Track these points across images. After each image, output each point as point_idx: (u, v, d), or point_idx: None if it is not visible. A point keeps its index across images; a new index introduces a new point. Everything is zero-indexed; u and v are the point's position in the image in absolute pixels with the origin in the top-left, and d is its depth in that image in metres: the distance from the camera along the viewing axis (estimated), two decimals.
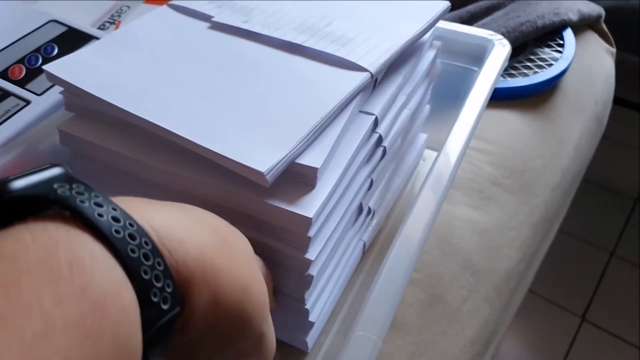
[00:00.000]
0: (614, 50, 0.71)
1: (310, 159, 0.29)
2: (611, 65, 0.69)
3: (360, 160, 0.34)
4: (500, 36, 0.44)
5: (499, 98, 0.55)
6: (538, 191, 0.52)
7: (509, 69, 0.57)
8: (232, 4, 0.40)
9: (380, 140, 0.36)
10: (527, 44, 0.61)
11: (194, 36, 0.38)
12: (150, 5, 0.53)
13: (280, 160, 0.27)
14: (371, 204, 0.40)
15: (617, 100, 1.29)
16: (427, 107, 0.48)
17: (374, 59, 0.35)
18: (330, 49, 0.35)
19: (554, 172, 0.54)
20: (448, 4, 0.42)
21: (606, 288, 1.25)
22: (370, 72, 0.34)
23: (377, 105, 0.35)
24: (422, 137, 0.49)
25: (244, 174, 0.27)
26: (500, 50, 0.42)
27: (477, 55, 0.44)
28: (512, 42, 0.57)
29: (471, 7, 0.60)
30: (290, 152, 0.28)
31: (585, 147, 0.60)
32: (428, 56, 0.44)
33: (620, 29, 1.11)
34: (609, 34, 0.71)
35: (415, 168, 0.48)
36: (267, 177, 0.26)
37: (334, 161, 0.31)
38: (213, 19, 0.38)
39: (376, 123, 0.35)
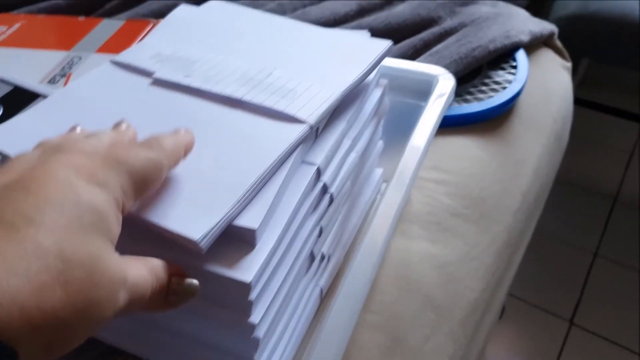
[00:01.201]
0: (569, 64, 0.72)
1: (247, 220, 0.29)
2: (567, 81, 0.70)
3: (305, 211, 0.34)
4: (444, 71, 0.44)
5: (455, 125, 0.55)
6: (498, 217, 0.52)
7: (464, 94, 0.58)
8: (175, 58, 0.40)
9: (325, 188, 0.36)
10: (482, 68, 0.61)
11: (135, 94, 0.37)
12: (101, 55, 0.53)
13: (215, 226, 0.27)
14: (324, 249, 0.40)
15: (595, 105, 1.31)
16: (380, 143, 0.48)
17: (313, 110, 0.35)
18: (269, 102, 0.35)
19: (514, 196, 0.54)
20: (390, 42, 0.42)
21: (592, 289, 1.26)
22: (309, 124, 0.34)
23: (319, 155, 0.35)
24: (378, 172, 0.49)
25: (177, 240, 0.27)
26: (444, 84, 0.43)
27: (425, 90, 0.45)
28: (465, 68, 0.58)
29: (424, 35, 0.61)
30: (225, 216, 0.28)
31: (545, 166, 0.61)
32: (374, 96, 0.44)
33: (587, 36, 1.13)
34: (563, 49, 0.72)
35: (372, 204, 0.48)
36: (202, 245, 0.26)
37: (275, 217, 0.31)
38: (154, 75, 0.38)
39: (319, 172, 0.35)
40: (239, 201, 0.29)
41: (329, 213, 0.38)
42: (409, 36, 0.62)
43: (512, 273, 0.55)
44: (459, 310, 0.45)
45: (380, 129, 0.47)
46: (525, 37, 0.63)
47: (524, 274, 1.28)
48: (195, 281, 0.27)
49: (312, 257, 0.38)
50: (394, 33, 0.62)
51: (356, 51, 0.41)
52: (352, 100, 0.40)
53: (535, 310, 1.21)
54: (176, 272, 0.26)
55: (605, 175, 1.56)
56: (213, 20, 0.45)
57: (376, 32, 0.62)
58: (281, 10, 0.66)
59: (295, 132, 0.33)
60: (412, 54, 0.59)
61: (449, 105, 0.43)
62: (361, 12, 0.66)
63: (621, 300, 1.23)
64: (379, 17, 0.63)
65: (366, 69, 0.40)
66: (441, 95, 0.42)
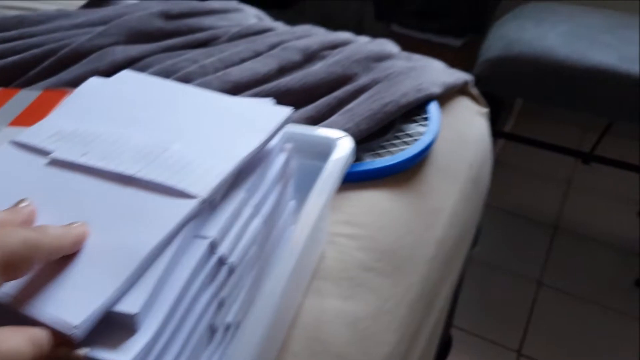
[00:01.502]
0: (485, 110, 0.76)
1: (127, 305, 0.29)
2: (484, 126, 0.74)
3: (199, 286, 0.35)
4: (343, 134, 0.46)
5: (368, 179, 0.57)
6: (412, 268, 0.53)
7: (377, 148, 0.60)
8: (75, 135, 0.41)
9: (222, 260, 0.37)
10: (395, 122, 0.64)
11: (31, 176, 0.38)
12: (14, 129, 0.53)
13: (93, 313, 0.27)
14: (229, 318, 0.40)
15: (533, 141, 1.36)
16: (292, 203, 0.50)
17: (205, 184, 0.36)
18: (161, 178, 0.36)
19: (428, 245, 0.56)
20: (290, 110, 0.44)
21: (538, 318, 1.29)
22: (200, 198, 0.35)
23: (213, 227, 0.36)
24: (292, 230, 0.51)
25: (54, 327, 0.27)
26: (342, 148, 0.45)
27: (327, 153, 0.46)
28: (377, 124, 0.60)
29: (339, 93, 0.63)
30: (104, 302, 0.28)
31: (463, 212, 0.63)
32: (279, 161, 0.45)
33: (513, 77, 1.19)
34: (479, 96, 0.76)
35: None
36: (78, 333, 0.27)
37: (162, 296, 0.32)
38: (52, 155, 0.39)
39: (214, 245, 0.36)
40: (121, 285, 0.29)
41: (230, 283, 0.39)
42: (325, 94, 0.65)
43: (432, 321, 0.57)
44: None
45: (289, 190, 0.48)
46: (437, 89, 0.66)
47: (470, 306, 1.30)
48: (86, 350, 0.27)
49: (212, 329, 0.38)
50: (311, 92, 0.64)
51: (257, 120, 0.43)
52: (253, 169, 0.42)
53: (482, 342, 1.23)
54: (64, 342, 0.27)
55: (546, 205, 1.61)
56: (121, 92, 0.46)
57: (293, 92, 0.64)
58: (203, 72, 0.67)
59: (185, 208, 0.34)
60: (328, 113, 0.61)
61: (347, 166, 0.45)
62: (281, 71, 0.69)
63: (566, 328, 1.27)
64: (296, 77, 0.65)
65: (265, 138, 0.41)
66: (338, 158, 0.44)
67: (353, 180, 0.58)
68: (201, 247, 0.35)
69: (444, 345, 1.03)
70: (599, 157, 1.30)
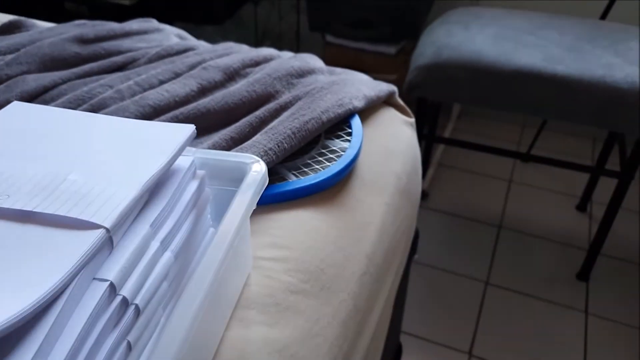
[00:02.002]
0: (412, 120, 0.76)
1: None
2: (411, 135, 0.74)
3: (101, 329, 0.33)
4: (256, 159, 0.45)
5: (292, 199, 0.56)
6: (342, 286, 0.53)
7: (302, 167, 0.59)
8: None
9: (126, 301, 0.35)
10: (319, 138, 0.63)
11: None
12: None
13: None
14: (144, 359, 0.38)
15: (471, 145, 1.38)
16: (211, 231, 0.48)
17: (108, 212, 0.34)
18: (62, 210, 0.34)
19: (358, 260, 0.56)
20: (192, 128, 0.42)
21: (487, 318, 1.31)
22: (105, 228, 0.33)
23: (114, 268, 0.34)
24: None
25: None
26: (255, 172, 0.44)
27: (242, 178, 0.45)
28: (299, 142, 0.60)
29: (260, 112, 0.62)
30: None
31: (392, 224, 0.63)
32: (190, 189, 0.44)
33: (445, 82, 1.21)
34: (404, 106, 0.76)
35: None
36: None
37: (60, 343, 0.30)
38: None
39: (114, 287, 0.34)
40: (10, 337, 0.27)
41: (138, 325, 0.37)
42: (247, 114, 0.63)
43: (367, 337, 0.56)
44: None
45: (206, 218, 0.47)
46: (359, 103, 0.66)
47: (419, 311, 1.31)
48: None
49: None
50: (232, 112, 0.63)
51: (157, 142, 0.42)
52: (159, 200, 0.40)
53: (433, 346, 1.24)
54: None
55: (489, 205, 1.65)
56: (11, 125, 0.44)
57: (214, 113, 0.62)
58: (119, 97, 0.65)
59: (89, 239, 0.32)
60: (250, 132, 0.60)
61: (262, 190, 0.44)
62: (202, 92, 0.67)
63: (515, 325, 1.29)
64: (216, 97, 0.64)
65: (168, 159, 0.40)
66: (251, 183, 0.43)
67: (278, 200, 0.57)
68: (100, 290, 0.33)
69: (395, 353, 1.03)
70: (535, 156, 1.33)
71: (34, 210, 0.34)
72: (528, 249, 1.50)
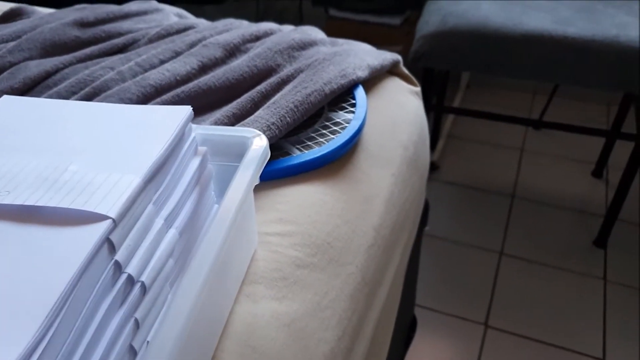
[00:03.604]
0: (417, 89, 0.75)
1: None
2: (417, 105, 0.73)
3: (107, 307, 0.33)
4: (257, 133, 0.44)
5: (297, 173, 0.56)
6: (349, 259, 0.52)
7: (306, 140, 0.58)
8: None
9: (132, 279, 0.35)
10: (323, 110, 0.62)
11: None
12: None
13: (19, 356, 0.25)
14: (150, 338, 0.38)
15: (482, 114, 1.37)
16: (216, 207, 0.48)
17: (113, 201, 0.34)
18: (65, 202, 0.34)
19: (365, 233, 0.55)
20: (189, 109, 0.42)
21: (502, 289, 1.30)
22: (111, 218, 0.33)
23: (117, 246, 0.34)
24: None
25: None
26: (256, 145, 0.43)
27: (243, 153, 0.45)
28: (302, 115, 0.59)
29: (261, 87, 0.61)
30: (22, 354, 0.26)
31: (400, 195, 0.62)
32: (192, 165, 0.44)
33: (452, 50, 1.18)
34: (410, 75, 0.75)
35: None
36: None
37: (65, 320, 0.30)
38: None
39: (119, 265, 0.34)
40: (39, 332, 0.27)
41: (145, 302, 0.37)
42: (248, 89, 0.62)
43: (376, 310, 0.56)
44: None
45: (209, 194, 0.46)
46: (362, 73, 0.65)
47: (433, 284, 1.31)
48: None
49: (133, 350, 0.36)
50: (233, 88, 0.62)
51: (156, 125, 0.41)
52: (161, 178, 0.39)
53: (449, 318, 1.23)
54: None
55: (501, 175, 1.63)
56: (3, 119, 0.43)
57: (215, 90, 0.62)
58: (121, 79, 0.64)
59: (95, 232, 0.32)
60: (252, 108, 0.59)
61: (264, 164, 0.43)
62: (203, 69, 0.66)
63: (531, 295, 1.28)
64: (217, 74, 0.63)
65: (168, 143, 0.39)
66: (253, 157, 0.42)
67: (282, 176, 0.56)
68: (104, 268, 0.33)
69: (409, 326, 1.03)
70: (548, 122, 1.31)
71: (36, 204, 0.34)
72: (543, 217, 1.48)
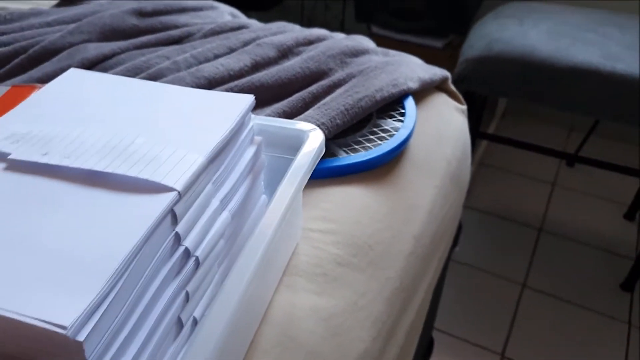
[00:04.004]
0: (464, 107, 0.75)
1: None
2: (462, 122, 0.73)
3: (164, 277, 0.33)
4: (314, 127, 0.45)
5: (343, 174, 0.56)
6: (389, 263, 0.52)
7: (353, 144, 0.59)
8: (32, 136, 0.39)
9: (188, 252, 0.36)
10: (371, 117, 0.63)
11: None
12: None
13: (82, 313, 0.26)
14: (196, 313, 0.39)
15: (517, 143, 1.37)
16: (263, 198, 0.48)
17: (179, 175, 0.35)
18: (133, 171, 0.34)
19: (406, 240, 0.55)
20: (251, 97, 0.42)
21: (522, 321, 1.28)
22: (177, 191, 0.33)
23: (179, 218, 0.35)
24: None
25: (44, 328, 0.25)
26: (313, 139, 0.44)
27: (299, 146, 0.45)
28: (352, 118, 0.59)
29: (313, 88, 0.62)
30: (90, 303, 0.26)
31: (441, 208, 0.62)
32: (248, 153, 0.44)
33: (495, 76, 1.18)
34: (457, 93, 0.75)
35: None
36: (70, 334, 0.25)
37: (124, 286, 0.30)
38: (10, 157, 0.37)
39: (179, 237, 0.34)
40: (104, 287, 0.28)
41: (197, 277, 0.37)
42: (299, 90, 0.63)
43: (409, 317, 0.55)
44: None
45: (260, 183, 0.47)
46: (413, 85, 0.65)
47: (453, 309, 1.29)
48: None
49: (180, 323, 0.37)
50: (285, 87, 0.63)
51: (219, 110, 0.42)
52: (220, 161, 0.40)
53: (465, 345, 1.22)
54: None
55: (530, 206, 1.61)
56: (71, 91, 0.44)
57: (267, 87, 0.63)
58: (176, 69, 0.66)
59: (162, 203, 0.32)
60: (302, 108, 0.60)
61: (319, 159, 0.44)
62: (255, 67, 0.67)
63: (551, 331, 1.26)
64: (270, 72, 0.64)
65: (231, 127, 0.40)
66: (309, 150, 0.43)
67: (328, 176, 0.57)
68: (165, 238, 0.33)
69: (426, 347, 1.02)
70: (583, 158, 1.30)
71: (104, 170, 0.35)
72: (569, 254, 1.46)
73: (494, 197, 1.64)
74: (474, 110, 1.50)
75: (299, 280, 0.47)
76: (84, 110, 0.41)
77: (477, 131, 1.49)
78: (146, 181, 0.34)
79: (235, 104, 0.42)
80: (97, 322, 0.26)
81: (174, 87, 0.45)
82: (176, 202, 0.33)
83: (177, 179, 0.34)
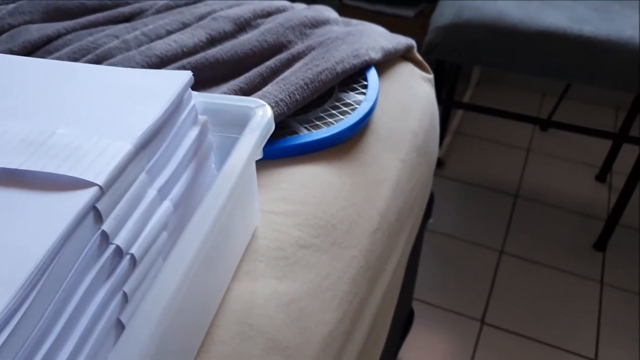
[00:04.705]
0: (430, 76, 0.73)
1: None
2: (429, 92, 0.71)
3: (92, 279, 0.31)
4: (262, 103, 0.42)
5: (304, 153, 0.54)
6: (353, 242, 0.51)
7: (315, 120, 0.56)
8: None
9: (120, 251, 0.33)
10: (333, 90, 0.60)
11: None
12: None
13: None
14: None
15: (491, 110, 1.35)
16: None
17: (101, 168, 0.32)
18: (50, 167, 0.31)
19: (370, 217, 0.53)
20: (189, 74, 0.40)
21: (500, 287, 1.29)
22: (98, 186, 0.30)
23: (106, 215, 0.32)
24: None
25: None
26: (261, 115, 0.41)
27: (245, 123, 0.43)
28: (312, 93, 0.57)
29: (271, 63, 0.59)
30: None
31: (407, 182, 0.60)
32: (190, 135, 0.41)
33: (465, 44, 1.16)
34: (423, 62, 0.73)
35: None
36: None
37: (44, 291, 0.28)
38: None
39: (106, 236, 0.32)
40: (16, 296, 0.25)
41: (135, 275, 0.35)
42: (257, 64, 0.61)
43: (378, 295, 0.54)
44: (310, 348, 0.43)
45: (209, 166, 0.45)
46: (376, 55, 0.63)
47: (432, 279, 1.29)
48: None
49: (121, 325, 0.34)
50: (242, 62, 0.60)
51: (152, 91, 0.39)
52: (155, 147, 0.37)
53: (446, 314, 1.22)
54: None
55: (506, 173, 1.61)
56: None
57: (222, 63, 0.60)
58: (125, 48, 0.62)
59: (81, 199, 0.30)
60: (260, 83, 0.58)
61: (267, 135, 0.41)
62: (211, 42, 0.64)
63: (529, 295, 1.27)
64: (225, 47, 0.61)
65: (164, 109, 0.37)
66: (255, 127, 0.40)
67: (289, 155, 0.54)
68: (89, 239, 0.31)
69: (406, 319, 1.02)
70: (555, 122, 1.29)
71: (20, 168, 0.32)
72: (544, 218, 1.47)
73: (470, 165, 1.64)
74: (448, 80, 1.48)
75: (259, 266, 0.45)
76: (4, 101, 0.38)
77: (451, 100, 1.47)
78: (64, 177, 0.31)
79: (170, 83, 0.39)
80: (14, 328, 0.24)
81: (105, 68, 0.41)
82: (99, 199, 0.30)
83: (98, 173, 0.31)
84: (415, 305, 1.23)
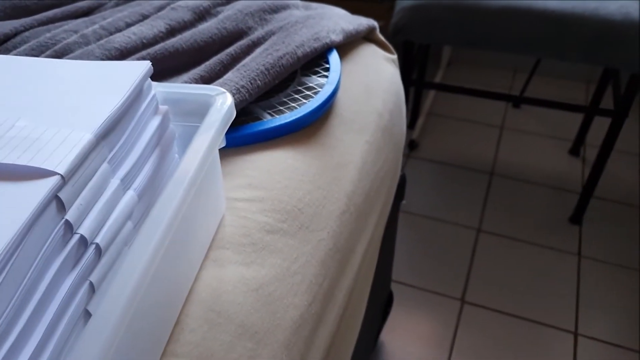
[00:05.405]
0: (394, 56, 0.73)
1: None
2: (393, 72, 0.71)
3: (56, 269, 0.31)
4: (221, 90, 0.42)
5: (268, 138, 0.54)
6: (320, 225, 0.51)
7: (277, 105, 0.56)
8: None
9: (85, 240, 0.33)
10: (296, 75, 0.60)
11: None
12: None
13: None
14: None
15: (462, 89, 1.36)
16: None
17: (62, 157, 0.32)
18: (10, 158, 0.32)
19: (337, 199, 0.54)
20: (148, 64, 0.40)
21: (479, 265, 1.30)
22: (59, 174, 0.31)
23: (68, 204, 0.32)
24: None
25: None
26: (219, 104, 0.41)
27: (206, 112, 0.43)
28: (274, 78, 0.57)
29: (231, 49, 0.59)
30: None
31: (374, 163, 0.61)
32: (152, 125, 0.41)
33: (431, 23, 1.16)
34: (386, 42, 0.73)
35: None
36: None
37: (6, 283, 0.28)
38: None
39: (69, 225, 0.32)
40: None
41: (101, 265, 0.35)
42: (217, 52, 0.60)
43: (349, 277, 0.55)
44: (280, 332, 0.43)
45: (172, 156, 0.44)
46: (336, 37, 0.63)
47: (410, 260, 1.30)
48: None
49: (88, 314, 0.34)
50: (202, 51, 0.60)
51: (111, 81, 0.39)
52: (117, 136, 0.37)
53: (426, 294, 1.24)
54: None
55: (480, 152, 1.63)
56: None
57: (182, 52, 0.59)
58: (84, 42, 0.61)
59: (42, 188, 0.30)
60: (220, 71, 0.57)
61: (228, 123, 0.41)
62: (172, 32, 0.64)
63: (507, 271, 1.29)
64: (185, 36, 0.60)
65: (124, 99, 0.37)
66: (215, 115, 0.40)
67: (253, 141, 0.54)
68: (52, 228, 0.31)
69: (385, 301, 1.03)
70: (528, 98, 1.30)
71: None
72: (520, 194, 1.49)
73: (444, 145, 1.65)
74: (418, 61, 1.48)
75: (226, 253, 0.45)
76: None
77: (422, 81, 1.48)
78: (25, 167, 0.31)
79: (129, 73, 0.39)
80: None
81: (63, 61, 0.41)
82: (61, 188, 0.31)
83: (59, 162, 0.31)
84: (395, 287, 1.24)
